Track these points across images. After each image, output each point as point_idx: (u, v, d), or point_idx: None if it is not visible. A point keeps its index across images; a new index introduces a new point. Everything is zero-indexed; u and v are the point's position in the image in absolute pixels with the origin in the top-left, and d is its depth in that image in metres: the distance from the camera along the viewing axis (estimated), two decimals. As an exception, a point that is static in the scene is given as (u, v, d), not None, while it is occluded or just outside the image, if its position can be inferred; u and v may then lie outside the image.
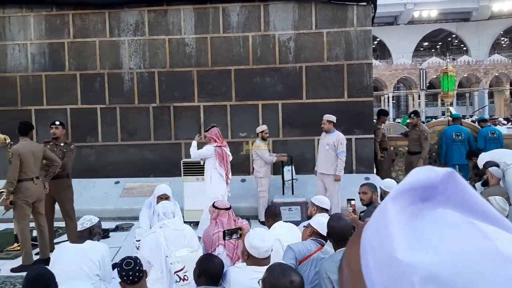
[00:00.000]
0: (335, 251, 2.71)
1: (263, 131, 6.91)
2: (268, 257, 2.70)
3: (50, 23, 8.18)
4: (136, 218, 7.12)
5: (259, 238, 2.68)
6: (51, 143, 5.76)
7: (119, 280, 3.94)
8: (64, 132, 6.01)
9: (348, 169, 7.51)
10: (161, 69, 8.13)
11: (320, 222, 3.21)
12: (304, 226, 3.33)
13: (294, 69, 8.00)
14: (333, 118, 6.45)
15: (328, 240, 2.89)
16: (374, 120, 8.44)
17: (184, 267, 3.66)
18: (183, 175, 6.85)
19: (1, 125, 8.04)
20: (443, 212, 0.42)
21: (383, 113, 8.61)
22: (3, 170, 6.75)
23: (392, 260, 0.39)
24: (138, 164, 8.19)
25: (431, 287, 0.37)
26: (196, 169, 6.76)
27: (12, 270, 4.92)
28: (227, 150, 5.86)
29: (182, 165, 6.90)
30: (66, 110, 8.18)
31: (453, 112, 9.61)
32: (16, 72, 8.23)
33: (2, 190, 5.71)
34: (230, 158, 5.91)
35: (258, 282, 2.28)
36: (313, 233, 3.17)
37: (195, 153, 5.83)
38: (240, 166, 8.06)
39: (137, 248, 4.33)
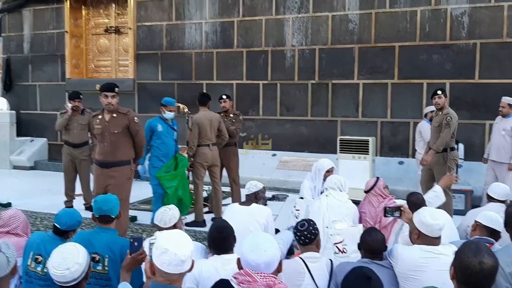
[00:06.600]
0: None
1: (432, 111, 6.50)
2: (439, 237, 2.59)
3: (223, 2, 8.81)
4: (290, 190, 7.47)
5: (430, 215, 2.59)
6: (221, 114, 6.29)
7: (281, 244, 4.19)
8: (232, 103, 6.49)
9: (524, 159, 6.72)
10: (322, 46, 8.19)
11: (487, 216, 2.95)
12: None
13: (466, 46, 7.34)
14: (514, 101, 5.83)
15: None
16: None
17: (343, 240, 3.72)
18: (339, 152, 6.88)
19: (179, 96, 9.05)
20: None
21: None
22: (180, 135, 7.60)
23: None
24: (294, 138, 8.46)
25: None
26: (353, 146, 6.73)
27: (186, 224, 5.56)
28: None
29: (338, 142, 6.92)
30: (233, 85, 8.81)
31: None
32: (192, 49, 9.11)
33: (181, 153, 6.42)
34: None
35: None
36: (477, 227, 2.93)
37: None
38: (398, 147, 7.78)
39: (296, 217, 4.53)
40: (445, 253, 2.50)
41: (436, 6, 7.46)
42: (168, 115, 5.44)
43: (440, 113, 5.57)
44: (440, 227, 2.57)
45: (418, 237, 2.61)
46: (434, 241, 2.58)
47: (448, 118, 5.41)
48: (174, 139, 5.52)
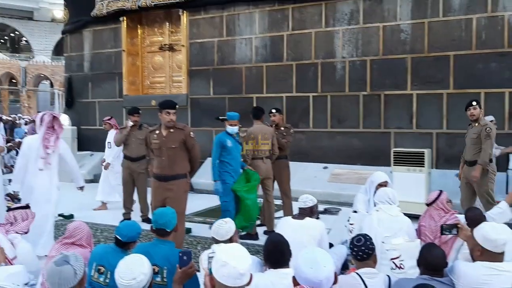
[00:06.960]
0: None
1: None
2: (503, 252, 2.49)
3: (272, 17, 8.94)
4: (342, 204, 7.37)
5: (493, 230, 2.50)
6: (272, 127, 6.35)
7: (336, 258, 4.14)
8: (281, 117, 6.53)
9: None
10: (373, 57, 8.10)
11: None
12: None
13: (527, 53, 7.02)
14: None
15: None
16: None
17: (400, 255, 3.63)
18: (393, 165, 6.73)
19: (230, 110, 9.20)
20: None
21: None
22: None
23: None
24: (346, 151, 8.37)
25: None
26: (408, 159, 6.57)
27: (239, 237, 5.59)
28: None
29: (392, 154, 6.77)
30: (282, 98, 8.86)
31: None
32: (242, 64, 9.28)
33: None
34: None
35: None
36: None
37: None
38: (455, 159, 7.46)
39: (350, 232, 4.46)
40: (509, 270, 2.40)
41: (492, 13, 7.20)
42: (231, 129, 5.45)
43: (477, 124, 5.47)
44: (504, 241, 2.48)
45: (481, 254, 2.51)
46: (498, 257, 2.48)
47: (487, 129, 5.33)
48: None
